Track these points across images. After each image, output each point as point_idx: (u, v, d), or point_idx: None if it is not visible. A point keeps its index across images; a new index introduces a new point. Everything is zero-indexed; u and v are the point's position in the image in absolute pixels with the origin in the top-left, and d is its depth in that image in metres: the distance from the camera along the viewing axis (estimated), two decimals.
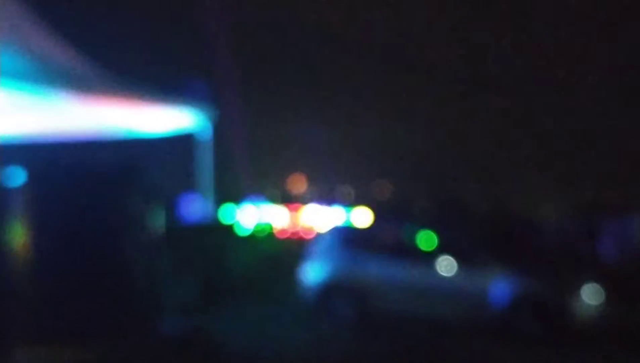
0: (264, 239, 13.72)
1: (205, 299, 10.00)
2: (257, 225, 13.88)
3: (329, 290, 10.58)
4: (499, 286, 9.60)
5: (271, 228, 14.00)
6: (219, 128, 11.97)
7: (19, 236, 7.15)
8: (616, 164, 31.80)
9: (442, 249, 10.39)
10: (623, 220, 19.00)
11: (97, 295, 7.24)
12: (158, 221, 8.17)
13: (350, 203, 21.12)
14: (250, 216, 14.76)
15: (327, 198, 25.25)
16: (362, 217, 12.99)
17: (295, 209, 15.20)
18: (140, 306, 7.68)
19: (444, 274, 9.99)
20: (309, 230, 14.13)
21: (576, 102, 33.06)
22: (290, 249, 13.10)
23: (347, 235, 11.20)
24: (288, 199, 23.43)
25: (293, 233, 14.10)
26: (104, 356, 6.85)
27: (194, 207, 17.38)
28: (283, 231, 14.13)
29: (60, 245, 7.20)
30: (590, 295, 9.66)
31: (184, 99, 12.83)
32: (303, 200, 22.80)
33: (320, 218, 14.60)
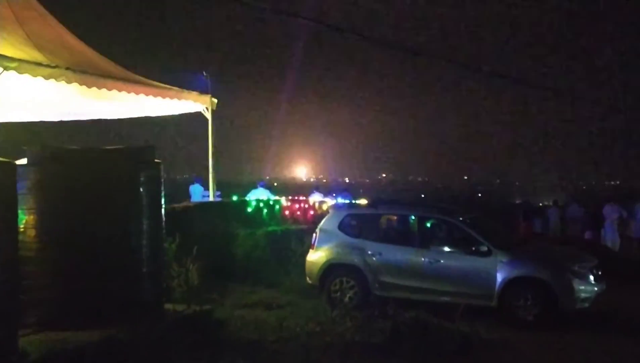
0: (268, 221, 13.76)
1: (208, 282, 9.95)
2: (261, 207, 13.97)
3: (331, 271, 10.72)
4: (499, 271, 9.72)
5: (275, 210, 14.09)
6: (228, 115, 12.05)
7: (29, 219, 7.13)
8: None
9: (441, 234, 10.58)
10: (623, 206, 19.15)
11: (105, 280, 7.24)
12: (166, 202, 8.14)
13: (352, 192, 21.17)
14: (255, 198, 14.90)
15: (329, 186, 25.35)
16: (364, 203, 13.08)
17: (299, 196, 15.31)
18: (147, 291, 7.69)
19: (444, 258, 10.15)
20: (312, 213, 14.24)
21: None
22: (294, 231, 13.00)
23: (349, 219, 11.19)
24: (291, 187, 23.36)
25: (296, 216, 14.20)
26: (112, 339, 6.80)
27: (201, 188, 17.51)
28: (287, 213, 14.22)
29: (70, 228, 7.19)
30: (588, 279, 9.80)
31: (192, 87, 13.02)
32: (306, 189, 22.93)
33: (323, 204, 14.75)
